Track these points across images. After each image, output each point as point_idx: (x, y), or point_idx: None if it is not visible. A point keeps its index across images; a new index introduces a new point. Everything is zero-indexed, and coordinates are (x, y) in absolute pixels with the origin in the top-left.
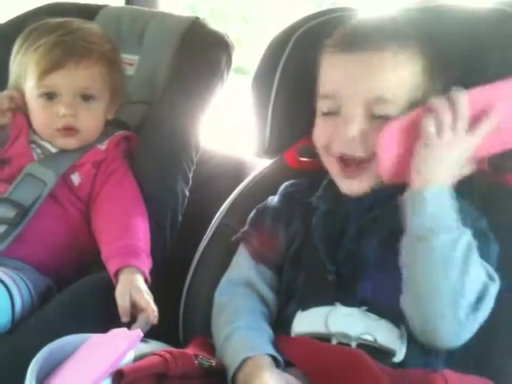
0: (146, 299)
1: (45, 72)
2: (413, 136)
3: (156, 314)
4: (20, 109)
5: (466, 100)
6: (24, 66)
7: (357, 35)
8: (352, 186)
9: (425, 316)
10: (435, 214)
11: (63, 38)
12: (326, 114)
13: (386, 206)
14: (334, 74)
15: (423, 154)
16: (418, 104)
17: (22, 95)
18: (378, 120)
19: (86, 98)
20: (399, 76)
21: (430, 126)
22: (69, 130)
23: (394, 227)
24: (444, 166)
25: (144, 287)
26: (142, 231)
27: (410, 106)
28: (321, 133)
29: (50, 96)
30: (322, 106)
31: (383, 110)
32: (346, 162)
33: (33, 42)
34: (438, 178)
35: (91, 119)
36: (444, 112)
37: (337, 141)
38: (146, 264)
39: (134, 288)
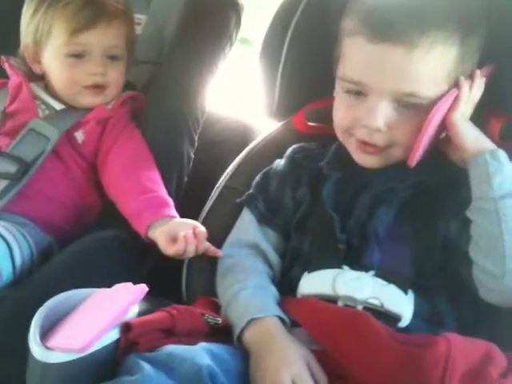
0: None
1: (77, 30)
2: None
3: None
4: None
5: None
6: (48, 24)
7: (386, 22)
8: (367, 161)
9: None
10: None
11: None
12: (348, 92)
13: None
14: (359, 61)
15: (464, 125)
16: (448, 87)
17: (38, 53)
18: (405, 109)
19: (112, 57)
20: (431, 70)
21: (467, 99)
22: (97, 88)
23: (410, 198)
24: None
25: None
26: (162, 185)
27: (441, 91)
28: (342, 116)
29: (79, 55)
30: (345, 86)
31: (412, 101)
32: (365, 143)
33: None
34: (488, 141)
35: (118, 77)
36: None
37: (359, 128)
38: (175, 214)
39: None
